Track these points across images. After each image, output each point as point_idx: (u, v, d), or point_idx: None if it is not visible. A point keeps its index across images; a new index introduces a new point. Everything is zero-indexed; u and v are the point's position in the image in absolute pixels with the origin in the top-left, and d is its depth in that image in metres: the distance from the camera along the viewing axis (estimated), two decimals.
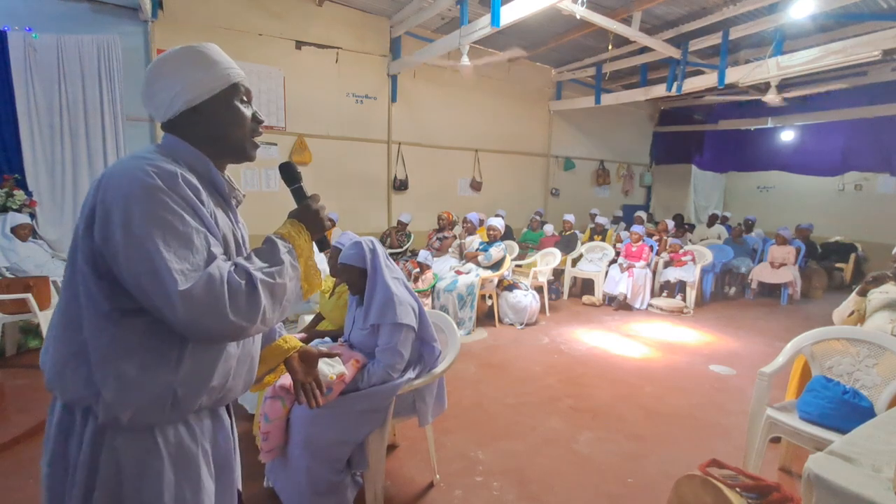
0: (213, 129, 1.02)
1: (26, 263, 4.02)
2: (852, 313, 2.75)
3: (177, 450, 0.94)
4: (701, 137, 10.19)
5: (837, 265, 7.51)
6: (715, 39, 6.12)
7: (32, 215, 4.49)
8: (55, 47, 4.59)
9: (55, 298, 3.81)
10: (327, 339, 2.24)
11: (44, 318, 3.54)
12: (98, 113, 4.86)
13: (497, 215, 6.88)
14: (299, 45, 6.07)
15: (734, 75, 6.03)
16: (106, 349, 0.86)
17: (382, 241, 6.53)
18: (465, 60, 5.22)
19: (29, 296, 3.45)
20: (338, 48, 6.35)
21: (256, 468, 2.25)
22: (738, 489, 1.60)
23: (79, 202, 4.84)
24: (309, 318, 2.76)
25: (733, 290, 6.97)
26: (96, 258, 0.87)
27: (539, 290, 5.48)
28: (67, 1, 4.69)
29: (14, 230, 4.10)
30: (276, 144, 6.06)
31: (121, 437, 0.88)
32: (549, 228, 7.16)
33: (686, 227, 8.36)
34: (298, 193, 1.19)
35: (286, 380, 1.88)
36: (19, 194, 4.37)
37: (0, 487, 2.18)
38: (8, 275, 3.85)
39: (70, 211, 4.85)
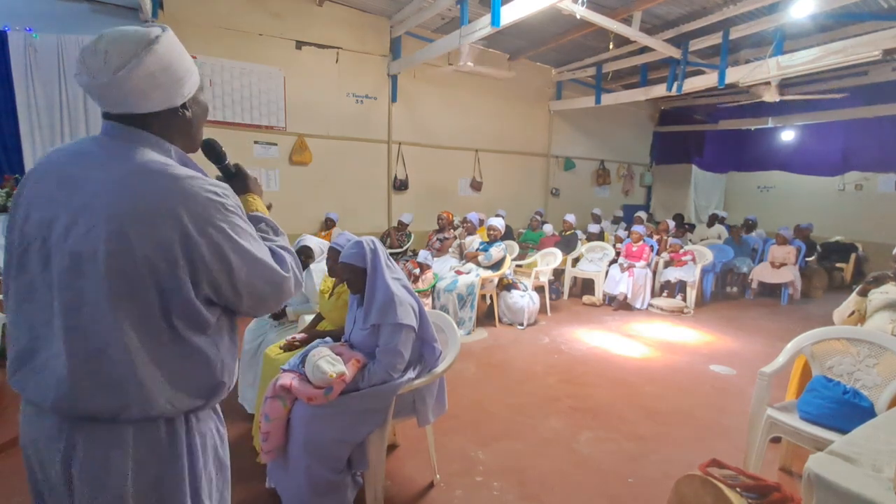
0: (192, 125, 1.01)
1: None
2: (853, 313, 2.74)
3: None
4: (701, 137, 10.18)
5: (838, 265, 7.51)
6: (715, 39, 6.12)
7: None
8: (55, 47, 4.60)
9: None
10: (328, 339, 2.24)
11: None
12: (98, 113, 4.83)
13: (497, 215, 6.88)
14: (299, 45, 6.07)
15: (734, 75, 6.03)
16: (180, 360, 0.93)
17: (383, 241, 6.54)
18: (466, 61, 5.22)
19: None
20: (338, 48, 6.35)
21: (257, 469, 2.25)
22: (738, 489, 1.60)
23: None
24: (309, 318, 2.76)
25: (735, 289, 6.97)
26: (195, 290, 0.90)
27: (540, 290, 5.48)
28: (67, 1, 4.69)
29: None
30: (276, 144, 6.06)
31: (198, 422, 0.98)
32: (548, 228, 7.16)
33: (686, 226, 8.36)
34: (227, 170, 1.22)
35: (286, 380, 1.88)
36: None
37: (2, 488, 2.18)
38: None
39: None
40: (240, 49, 5.66)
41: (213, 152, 1.20)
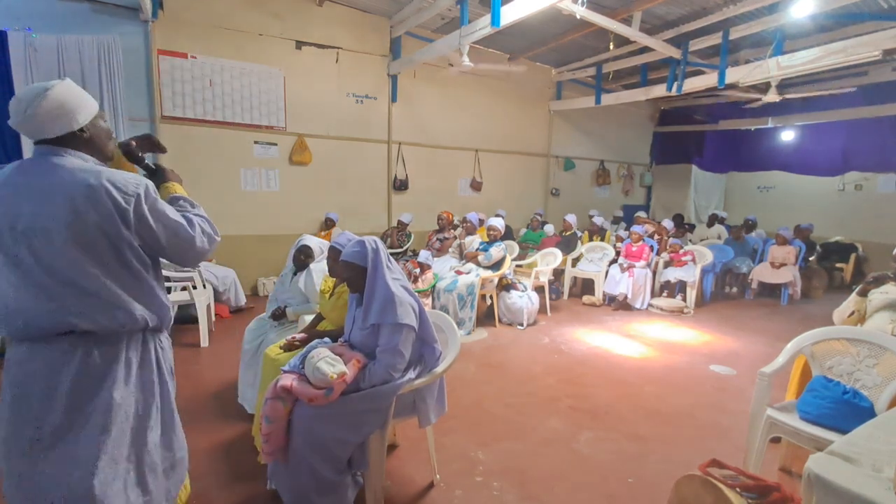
0: (95, 142, 1.43)
1: None
2: (852, 313, 2.74)
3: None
4: (701, 137, 10.18)
5: (838, 265, 7.52)
6: (715, 39, 6.13)
7: None
8: (55, 47, 4.59)
9: None
10: (327, 339, 2.24)
11: None
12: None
13: (497, 215, 6.88)
14: (299, 45, 6.07)
15: (734, 75, 6.03)
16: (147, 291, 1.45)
17: (383, 241, 6.53)
18: (466, 61, 5.22)
19: None
20: (338, 48, 6.35)
21: (258, 470, 2.25)
22: (738, 489, 1.60)
23: None
24: (309, 318, 2.76)
25: (735, 289, 6.97)
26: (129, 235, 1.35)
27: (539, 290, 5.48)
28: (67, 1, 4.69)
29: None
30: (276, 145, 6.06)
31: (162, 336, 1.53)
32: (549, 229, 7.16)
33: (686, 226, 8.36)
34: (148, 168, 1.63)
35: (287, 380, 1.88)
36: None
37: None
38: None
39: None
40: (240, 49, 5.67)
41: (132, 156, 1.61)
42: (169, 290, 4.33)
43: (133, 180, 1.35)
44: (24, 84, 4.49)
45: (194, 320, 4.23)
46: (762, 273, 6.53)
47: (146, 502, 1.39)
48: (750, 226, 7.66)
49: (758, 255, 7.16)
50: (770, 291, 6.73)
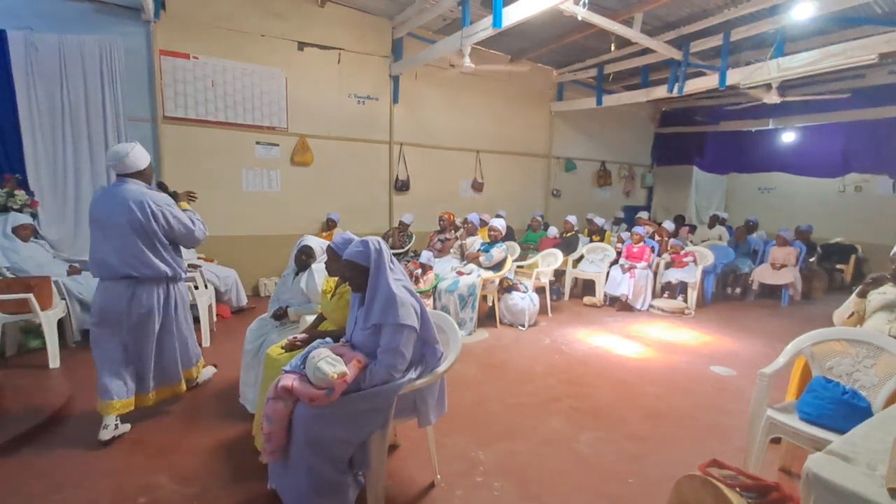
0: (147, 176, 2.70)
1: (27, 263, 4.02)
2: (852, 314, 2.75)
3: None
4: (702, 138, 10.19)
5: (838, 266, 7.52)
6: (716, 41, 6.13)
7: (34, 215, 4.49)
8: (57, 47, 4.61)
9: (57, 298, 3.82)
10: (329, 339, 2.25)
11: (45, 319, 3.54)
12: (100, 113, 4.87)
13: (498, 216, 6.89)
14: (301, 45, 6.09)
15: (735, 77, 6.04)
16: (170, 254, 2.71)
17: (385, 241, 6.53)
18: (468, 62, 5.23)
19: (30, 296, 3.46)
20: (340, 49, 6.36)
21: (258, 470, 2.26)
22: (738, 489, 1.60)
23: (81, 202, 4.84)
24: (311, 319, 2.77)
25: (738, 290, 6.96)
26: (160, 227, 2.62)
27: (540, 290, 5.49)
28: (69, 1, 4.70)
29: (15, 230, 4.11)
30: (277, 145, 6.08)
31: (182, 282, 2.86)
32: (553, 231, 7.13)
33: (687, 227, 8.36)
34: (169, 193, 2.81)
35: (288, 381, 1.89)
36: (20, 194, 4.37)
37: (1, 491, 2.19)
38: (9, 275, 3.86)
39: (72, 211, 4.84)
40: (242, 50, 5.68)
41: (161, 187, 2.86)
42: None
43: (163, 198, 2.66)
44: (26, 84, 4.50)
45: (196, 320, 4.22)
46: (763, 274, 6.53)
47: (169, 359, 2.84)
48: (751, 227, 7.66)
49: (759, 256, 7.16)
50: (771, 292, 6.73)
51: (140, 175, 2.64)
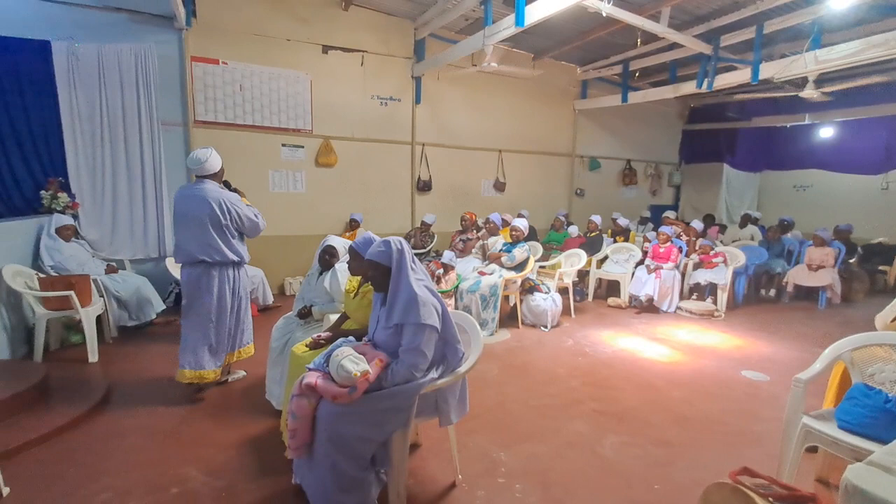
0: (220, 176, 3.14)
1: (69, 262, 4.22)
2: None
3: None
4: (733, 135, 9.86)
5: (880, 268, 7.15)
6: (748, 34, 5.93)
7: (75, 216, 4.71)
8: (96, 56, 4.82)
9: (96, 296, 3.99)
10: (351, 338, 2.27)
11: (85, 315, 3.71)
12: (136, 118, 5.07)
13: (520, 215, 6.84)
14: (326, 49, 6.19)
15: (769, 71, 5.82)
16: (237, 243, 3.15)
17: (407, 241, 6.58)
18: (490, 62, 5.21)
19: (72, 293, 3.62)
20: (363, 51, 6.44)
21: (283, 464, 2.30)
22: (770, 499, 1.55)
23: (118, 204, 5.06)
24: (334, 318, 2.81)
25: (772, 292, 6.70)
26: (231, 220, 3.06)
27: (563, 291, 5.42)
28: (107, 11, 4.90)
29: (58, 231, 4.31)
30: (302, 147, 6.19)
31: (244, 268, 3.26)
32: (574, 230, 7.05)
33: (717, 227, 8.11)
34: (233, 190, 3.21)
35: (312, 378, 1.92)
36: (63, 196, 4.59)
37: (44, 475, 2.30)
38: (53, 273, 4.06)
39: (109, 213, 5.06)
40: (268, 54, 5.81)
41: (227, 186, 3.20)
42: None
43: (234, 197, 3.08)
44: (68, 92, 4.73)
45: None
46: (798, 275, 6.28)
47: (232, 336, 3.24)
48: (785, 226, 7.38)
49: (793, 256, 6.89)
50: (807, 295, 6.47)
51: (214, 176, 3.04)
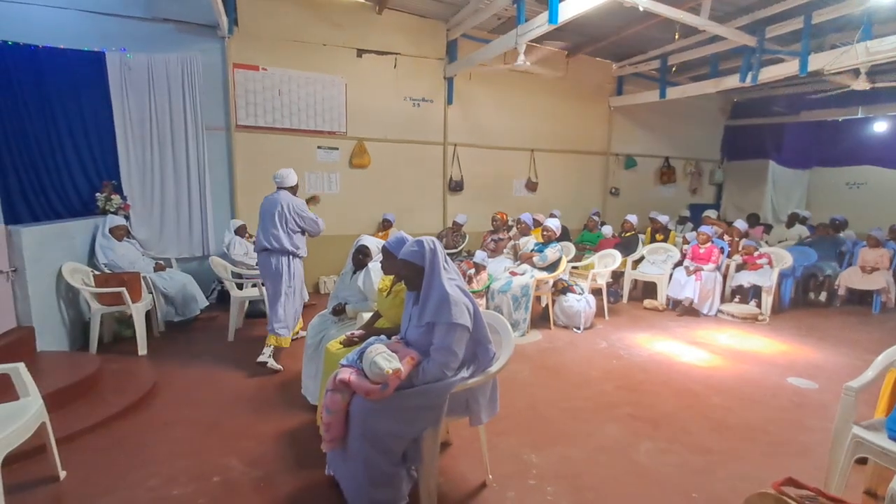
0: (296, 188, 3.98)
1: (122, 261, 4.48)
2: None
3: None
4: (780, 130, 9.39)
5: None
6: (795, 24, 5.64)
7: (126, 217, 4.99)
8: (146, 65, 5.09)
9: (145, 293, 4.22)
10: (383, 336, 2.32)
11: (135, 310, 3.93)
12: (182, 124, 5.33)
13: (552, 215, 6.75)
14: (360, 52, 6.31)
15: (818, 62, 5.52)
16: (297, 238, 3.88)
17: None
18: (523, 60, 5.18)
19: (123, 290, 3.85)
20: (396, 54, 6.52)
21: (318, 457, 2.37)
22: None
23: (166, 205, 5.34)
24: (367, 316, 2.87)
25: (823, 295, 6.35)
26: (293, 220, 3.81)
27: (597, 292, 5.32)
28: (155, 22, 5.17)
29: (112, 231, 4.58)
30: (337, 149, 6.33)
31: (298, 259, 3.92)
32: (607, 230, 6.90)
33: (762, 227, 7.75)
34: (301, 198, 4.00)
35: (345, 374, 1.97)
36: (116, 198, 4.89)
37: (97, 461, 2.46)
38: (106, 271, 4.32)
39: (157, 214, 5.34)
40: (305, 59, 5.98)
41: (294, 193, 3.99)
42: (241, 286, 4.67)
43: (301, 203, 3.83)
44: (121, 99, 5.01)
45: (263, 314, 4.54)
46: (851, 278, 5.94)
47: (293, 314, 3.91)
48: (837, 226, 6.97)
49: (846, 258, 6.51)
50: (860, 299, 6.10)
51: (291, 189, 3.87)
